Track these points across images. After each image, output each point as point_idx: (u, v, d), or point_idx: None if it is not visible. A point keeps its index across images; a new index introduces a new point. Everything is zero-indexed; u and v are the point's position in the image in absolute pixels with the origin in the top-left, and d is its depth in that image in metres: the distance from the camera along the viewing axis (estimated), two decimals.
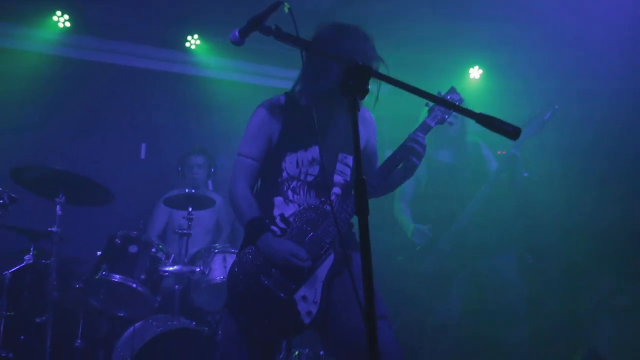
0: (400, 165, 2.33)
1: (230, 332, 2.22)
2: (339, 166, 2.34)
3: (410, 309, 3.69)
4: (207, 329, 3.38)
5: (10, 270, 3.39)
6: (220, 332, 3.13)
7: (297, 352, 3.58)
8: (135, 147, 4.70)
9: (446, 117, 2.38)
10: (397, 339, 2.15)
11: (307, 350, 3.61)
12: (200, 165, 4.48)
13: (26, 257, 3.52)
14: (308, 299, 2.19)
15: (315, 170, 2.32)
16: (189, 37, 5.07)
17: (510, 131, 1.47)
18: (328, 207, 2.29)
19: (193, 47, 5.10)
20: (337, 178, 2.34)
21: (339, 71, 2.22)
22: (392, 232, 3.96)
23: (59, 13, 4.70)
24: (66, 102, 4.76)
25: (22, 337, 3.53)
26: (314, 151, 2.32)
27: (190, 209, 3.75)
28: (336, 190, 2.35)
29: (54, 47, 4.80)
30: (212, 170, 4.55)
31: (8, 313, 3.33)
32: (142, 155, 4.58)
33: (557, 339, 3.70)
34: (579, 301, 3.76)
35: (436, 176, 3.77)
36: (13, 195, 2.50)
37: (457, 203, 3.60)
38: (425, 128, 2.34)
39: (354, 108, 1.54)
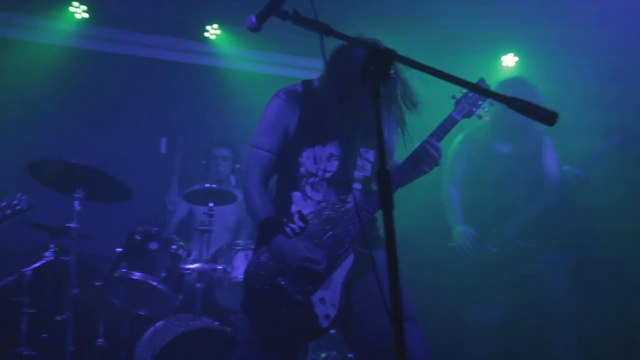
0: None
1: (246, 334, 2.21)
2: (359, 162, 2.29)
3: (446, 305, 3.68)
4: (230, 329, 3.35)
5: (30, 267, 3.41)
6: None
7: (324, 355, 3.53)
8: (155, 141, 4.66)
9: (474, 110, 2.31)
10: (425, 342, 2.09)
11: (334, 353, 3.56)
12: (226, 158, 4.44)
13: (46, 253, 3.54)
14: (326, 301, 2.15)
15: (333, 166, 2.27)
16: (208, 27, 5.03)
17: (545, 116, 1.38)
18: (348, 205, 2.24)
19: (213, 37, 5.06)
20: (357, 174, 2.29)
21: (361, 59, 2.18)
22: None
23: (76, 4, 4.69)
24: (84, 95, 4.76)
25: (44, 335, 3.56)
26: (332, 146, 2.26)
27: (211, 205, 3.71)
28: (356, 186, 2.29)
29: (71, 39, 4.79)
30: (237, 166, 4.50)
31: (30, 311, 3.35)
32: (163, 150, 4.55)
33: (607, 344, 3.64)
34: (631, 305, 3.69)
35: (492, 165, 3.74)
36: (32, 203, 2.50)
37: (510, 197, 3.61)
38: (450, 122, 2.27)
39: (376, 95, 1.47)
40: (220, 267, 3.59)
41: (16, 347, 3.30)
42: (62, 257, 3.55)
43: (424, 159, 2.21)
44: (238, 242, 3.80)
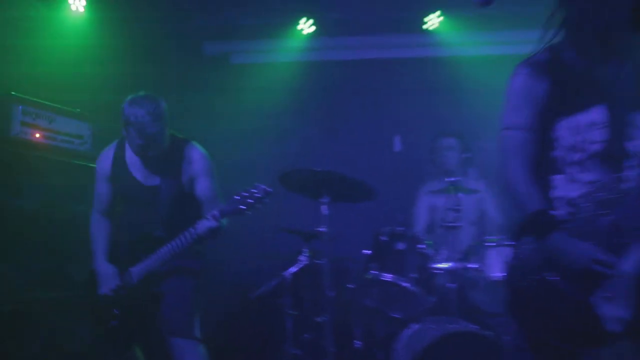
0: None
1: (517, 339, 2.10)
2: (630, 130, 2.00)
3: None
4: (491, 332, 3.20)
5: (289, 271, 3.73)
6: (506, 337, 2.96)
7: None
8: (388, 140, 4.77)
9: None
10: None
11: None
12: (451, 148, 4.33)
13: (301, 257, 3.82)
14: (613, 300, 1.91)
15: (598, 136, 2.00)
16: (428, 17, 5.00)
17: None
18: (627, 185, 1.96)
19: (434, 26, 5.02)
20: (629, 146, 2.00)
21: (617, 4, 1.90)
22: None
23: (303, 20, 5.06)
24: (317, 104, 5.10)
25: (306, 335, 3.83)
26: (596, 112, 2.00)
27: (456, 200, 3.66)
28: (632, 162, 1.99)
29: (299, 53, 5.19)
30: (470, 156, 4.37)
31: (292, 312, 3.64)
32: (397, 148, 4.61)
33: None
34: None
35: None
36: (269, 190, 2.74)
37: None
38: None
39: None
40: (473, 265, 3.51)
41: (284, 345, 3.61)
42: (316, 261, 3.80)
43: None
44: (489, 237, 3.66)
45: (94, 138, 4.24)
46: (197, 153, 3.05)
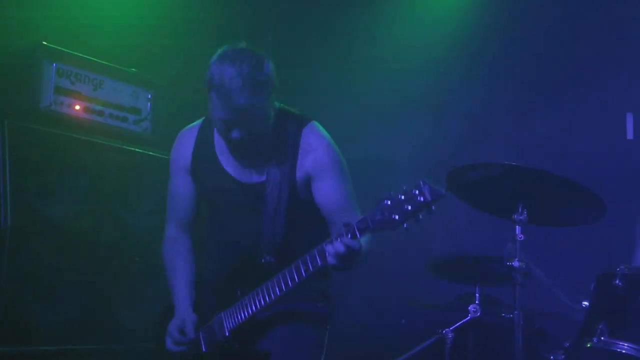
0: None
1: None
2: None
3: None
4: None
5: (451, 328, 3.89)
6: None
7: None
8: (617, 122, 4.53)
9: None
10: None
11: None
12: None
13: (471, 307, 3.92)
14: None
15: None
16: None
17: None
18: None
19: None
20: None
21: None
22: None
23: None
24: (497, 56, 5.28)
25: None
26: None
27: None
28: None
29: None
30: None
31: None
32: (630, 134, 4.39)
33: None
34: None
35: None
36: (439, 192, 2.55)
37: None
38: None
39: None
40: None
41: None
42: (499, 315, 3.81)
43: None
44: None
45: (157, 113, 4.29)
46: (319, 138, 3.06)
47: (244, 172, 3.06)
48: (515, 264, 3.39)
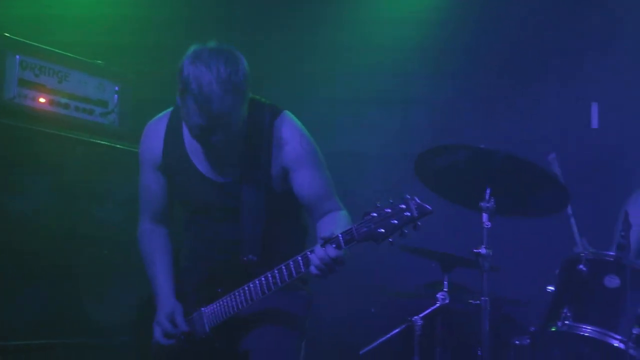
0: None
1: None
2: None
3: None
4: None
5: (420, 315, 3.88)
6: None
7: None
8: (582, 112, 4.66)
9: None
10: None
11: None
12: None
13: (439, 295, 3.95)
14: None
15: None
16: None
17: None
18: None
19: None
20: None
21: None
22: None
23: None
24: (469, 50, 5.34)
25: None
26: None
27: None
28: None
29: None
30: None
31: None
32: (595, 124, 4.36)
33: None
34: None
35: None
36: (425, 208, 2.55)
37: None
38: None
39: None
40: None
41: None
42: (465, 301, 3.87)
43: None
44: None
45: (124, 106, 4.25)
46: (292, 129, 2.99)
47: (218, 170, 2.99)
48: (482, 251, 3.37)
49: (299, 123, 3.00)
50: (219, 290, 2.92)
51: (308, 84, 5.06)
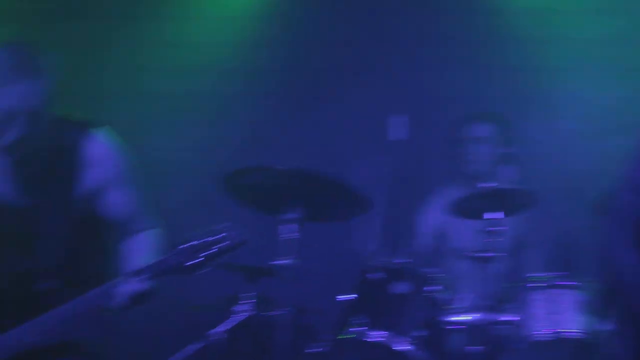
0: None
1: None
2: None
3: None
4: None
5: (219, 329, 3.81)
6: None
7: None
8: (384, 124, 4.60)
9: None
10: None
11: None
12: (483, 140, 4.41)
13: (239, 307, 3.92)
14: None
15: None
16: None
17: None
18: None
19: None
20: None
21: None
22: None
23: None
24: (274, 63, 5.34)
25: None
26: None
27: (494, 217, 3.75)
28: None
29: None
30: (511, 151, 4.40)
31: None
32: (396, 135, 4.49)
33: None
34: None
35: None
36: (244, 237, 2.60)
37: None
38: None
39: None
40: (508, 317, 3.62)
41: None
42: (265, 313, 3.82)
43: None
44: (532, 275, 3.79)
45: None
46: (101, 150, 2.82)
47: (13, 194, 2.78)
48: (282, 261, 3.56)
49: (110, 141, 2.84)
50: (14, 319, 2.70)
51: (118, 91, 4.98)
